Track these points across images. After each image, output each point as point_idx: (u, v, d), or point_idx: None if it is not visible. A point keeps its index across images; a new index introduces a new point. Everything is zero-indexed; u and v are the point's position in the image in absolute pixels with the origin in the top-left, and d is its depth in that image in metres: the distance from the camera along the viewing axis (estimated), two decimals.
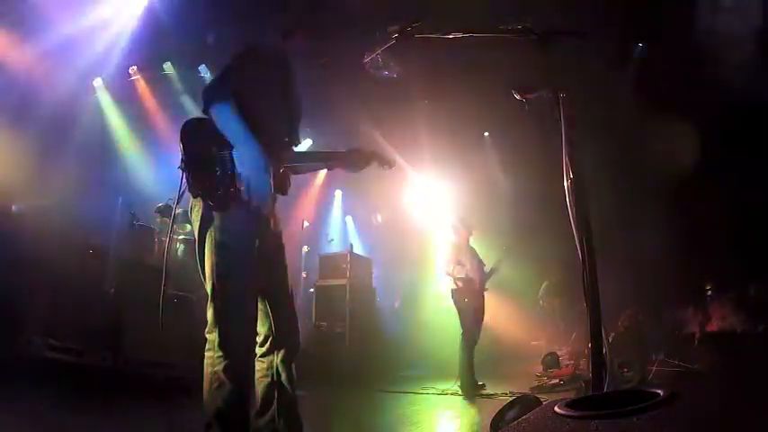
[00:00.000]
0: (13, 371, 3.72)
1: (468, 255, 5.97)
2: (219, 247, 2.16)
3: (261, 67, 2.36)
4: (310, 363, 6.62)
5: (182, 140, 2.21)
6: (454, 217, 6.39)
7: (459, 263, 5.82)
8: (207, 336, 2.19)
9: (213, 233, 2.16)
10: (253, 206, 2.18)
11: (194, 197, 2.19)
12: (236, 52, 2.36)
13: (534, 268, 9.96)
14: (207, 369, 2.16)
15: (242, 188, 2.14)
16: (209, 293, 2.17)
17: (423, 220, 10.98)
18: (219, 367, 2.12)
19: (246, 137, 2.17)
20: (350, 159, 2.65)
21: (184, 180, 2.19)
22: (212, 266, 2.15)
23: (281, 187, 2.42)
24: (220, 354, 2.13)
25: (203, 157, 2.16)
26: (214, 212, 2.17)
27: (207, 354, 2.18)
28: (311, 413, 4.66)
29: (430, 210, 10.91)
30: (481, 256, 6.17)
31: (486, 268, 6.02)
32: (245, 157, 2.16)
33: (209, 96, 2.19)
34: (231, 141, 2.17)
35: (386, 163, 2.72)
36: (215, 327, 2.15)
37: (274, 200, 2.46)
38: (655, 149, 8.00)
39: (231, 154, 2.16)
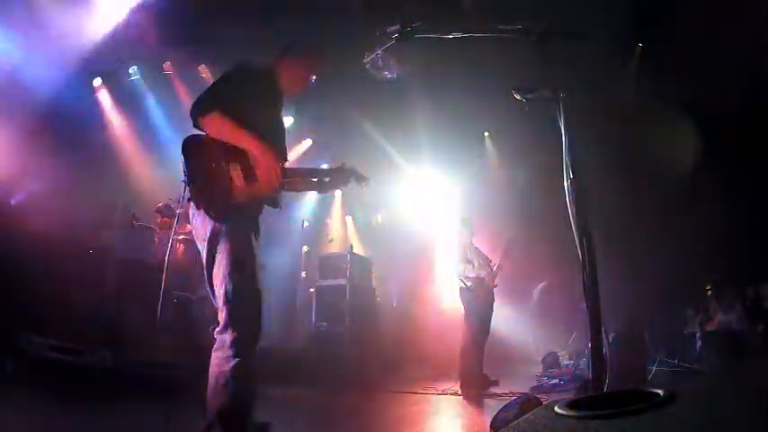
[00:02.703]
0: (13, 371, 3.73)
1: (474, 253, 5.97)
2: (231, 256, 2.26)
3: (253, 83, 2.48)
4: (310, 363, 6.63)
5: (183, 155, 2.32)
6: (457, 217, 6.38)
7: (468, 261, 5.82)
8: (217, 336, 2.26)
9: (223, 243, 2.26)
10: (248, 216, 2.37)
11: (197, 209, 2.30)
12: (229, 69, 2.50)
13: (534, 268, 9.95)
14: (214, 369, 2.21)
15: (241, 198, 2.29)
16: (223, 298, 2.24)
17: (423, 220, 10.98)
18: (228, 367, 2.18)
19: (247, 133, 2.31)
20: (337, 176, 2.75)
21: (187, 192, 2.32)
22: (225, 274, 2.24)
23: (274, 201, 2.51)
24: (231, 354, 2.19)
25: (204, 172, 2.28)
26: (221, 224, 2.27)
27: (216, 353, 2.23)
28: (311, 413, 4.67)
29: (430, 210, 10.91)
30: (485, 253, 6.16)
31: (493, 264, 6.01)
32: (251, 151, 2.31)
33: (196, 110, 2.31)
34: (232, 142, 2.29)
35: (362, 180, 2.80)
36: (229, 329, 2.22)
37: (260, 211, 2.55)
38: (656, 149, 8.00)
39: (228, 167, 2.28)
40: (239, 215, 2.32)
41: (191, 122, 2.36)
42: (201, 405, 2.50)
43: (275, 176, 2.36)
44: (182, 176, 2.32)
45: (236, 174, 2.30)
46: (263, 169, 2.33)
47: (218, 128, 2.29)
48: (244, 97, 2.38)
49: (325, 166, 6.67)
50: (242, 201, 2.31)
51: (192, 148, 2.33)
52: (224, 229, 2.27)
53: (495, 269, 5.96)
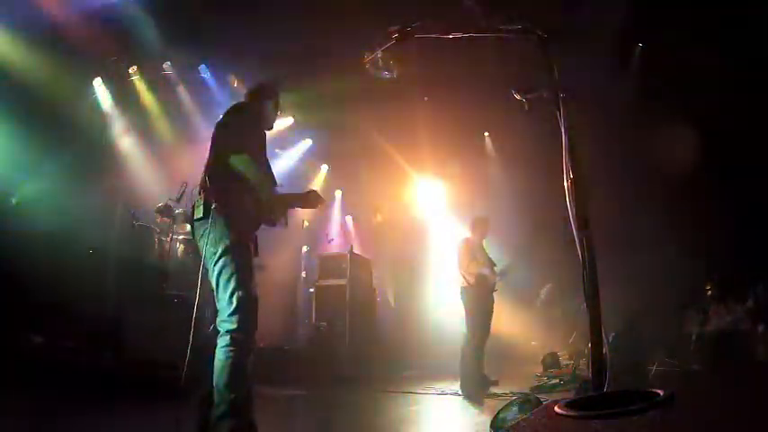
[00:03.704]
0: (13, 371, 3.73)
1: (481, 253, 5.94)
2: (241, 271, 2.59)
3: (257, 123, 2.94)
4: (310, 363, 6.63)
5: (215, 185, 2.69)
6: (474, 215, 6.35)
7: (473, 258, 5.80)
8: (233, 336, 2.50)
9: (234, 259, 2.59)
10: (252, 235, 2.79)
11: (225, 229, 2.62)
12: (242, 110, 2.94)
13: (534, 269, 9.94)
14: (226, 362, 2.46)
15: (255, 217, 2.75)
16: (234, 305, 2.53)
17: (423, 220, 10.98)
18: (241, 361, 2.48)
19: (263, 178, 2.76)
20: (308, 199, 3.13)
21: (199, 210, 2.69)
22: (237, 282, 2.57)
23: (272, 221, 2.92)
24: (243, 350, 2.50)
25: (236, 200, 2.68)
26: (236, 241, 2.61)
27: (227, 349, 2.48)
28: (311, 413, 4.67)
29: (430, 210, 10.92)
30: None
31: (497, 269, 6.00)
32: (265, 192, 2.75)
33: (233, 146, 2.71)
34: (252, 181, 2.69)
35: (323, 203, 3.22)
36: (242, 330, 2.51)
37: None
38: (656, 149, 8.00)
39: (249, 197, 2.70)
40: (248, 234, 2.74)
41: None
42: (200, 404, 2.53)
43: (275, 206, 2.88)
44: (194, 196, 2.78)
45: (250, 201, 2.73)
46: (265, 205, 2.80)
47: (244, 165, 2.68)
48: (255, 138, 2.83)
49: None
50: (254, 222, 2.77)
51: (219, 177, 2.71)
52: (237, 246, 2.62)
53: (497, 273, 5.95)
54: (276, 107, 3.16)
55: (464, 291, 5.80)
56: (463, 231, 6.36)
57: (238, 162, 2.68)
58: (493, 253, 6.19)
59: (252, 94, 3.13)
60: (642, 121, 8.20)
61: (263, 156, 2.89)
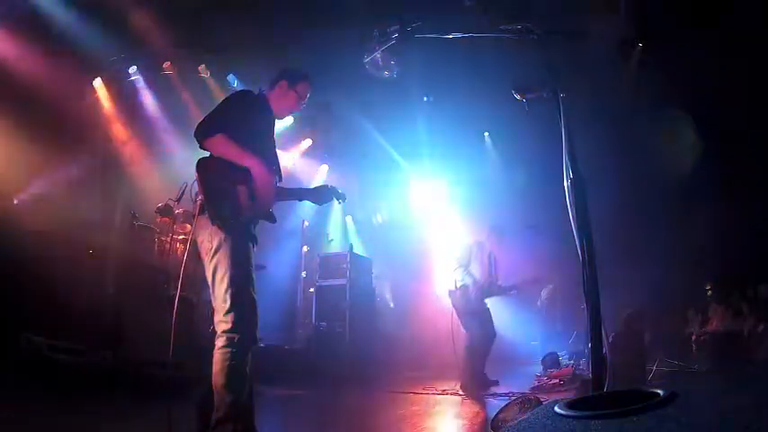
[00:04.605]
0: (13, 371, 3.73)
1: (481, 260, 5.88)
2: (235, 267, 2.48)
3: (251, 109, 2.74)
4: (310, 363, 6.64)
5: (200, 176, 2.52)
6: (494, 222, 6.33)
7: (463, 266, 5.78)
8: (226, 336, 2.42)
9: (228, 255, 2.49)
10: (250, 230, 2.65)
11: (213, 224, 2.50)
12: (232, 95, 2.76)
13: (540, 269, 9.92)
14: (223, 363, 2.39)
15: (247, 213, 2.55)
16: (228, 303, 2.44)
17: (423, 220, 10.97)
18: (238, 362, 2.41)
19: (249, 154, 2.53)
20: (316, 194, 3.07)
21: (197, 205, 2.57)
22: (230, 283, 2.46)
23: (271, 216, 2.77)
24: (239, 351, 2.42)
25: (220, 192, 2.51)
26: (227, 236, 2.50)
27: (223, 350, 2.41)
28: (311, 413, 4.68)
29: (430, 210, 10.91)
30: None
31: (500, 282, 5.97)
32: (253, 169, 2.51)
33: (199, 132, 2.53)
34: (235, 161, 2.51)
35: (340, 197, 3.11)
36: (237, 330, 2.43)
37: (256, 224, 2.77)
38: (656, 149, 8.00)
39: (237, 189, 2.51)
40: (242, 229, 2.58)
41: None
42: (200, 405, 2.52)
43: (272, 195, 2.67)
44: (200, 195, 2.56)
45: (243, 193, 2.53)
46: (261, 188, 2.57)
47: (222, 149, 2.52)
48: (243, 121, 2.61)
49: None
50: (246, 216, 2.57)
51: (205, 168, 2.54)
52: (230, 242, 2.50)
53: (497, 285, 5.92)
54: (299, 95, 2.93)
55: (451, 294, 5.83)
56: (464, 230, 6.34)
57: (210, 146, 2.53)
58: (504, 265, 6.15)
59: (272, 80, 2.95)
60: (642, 121, 8.20)
61: (262, 143, 2.73)
